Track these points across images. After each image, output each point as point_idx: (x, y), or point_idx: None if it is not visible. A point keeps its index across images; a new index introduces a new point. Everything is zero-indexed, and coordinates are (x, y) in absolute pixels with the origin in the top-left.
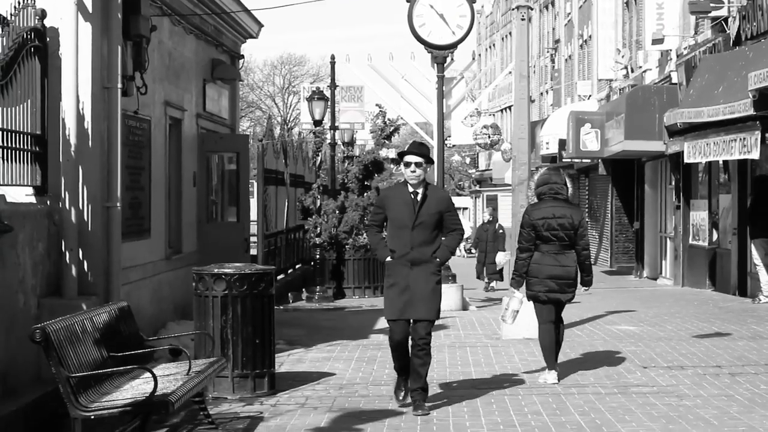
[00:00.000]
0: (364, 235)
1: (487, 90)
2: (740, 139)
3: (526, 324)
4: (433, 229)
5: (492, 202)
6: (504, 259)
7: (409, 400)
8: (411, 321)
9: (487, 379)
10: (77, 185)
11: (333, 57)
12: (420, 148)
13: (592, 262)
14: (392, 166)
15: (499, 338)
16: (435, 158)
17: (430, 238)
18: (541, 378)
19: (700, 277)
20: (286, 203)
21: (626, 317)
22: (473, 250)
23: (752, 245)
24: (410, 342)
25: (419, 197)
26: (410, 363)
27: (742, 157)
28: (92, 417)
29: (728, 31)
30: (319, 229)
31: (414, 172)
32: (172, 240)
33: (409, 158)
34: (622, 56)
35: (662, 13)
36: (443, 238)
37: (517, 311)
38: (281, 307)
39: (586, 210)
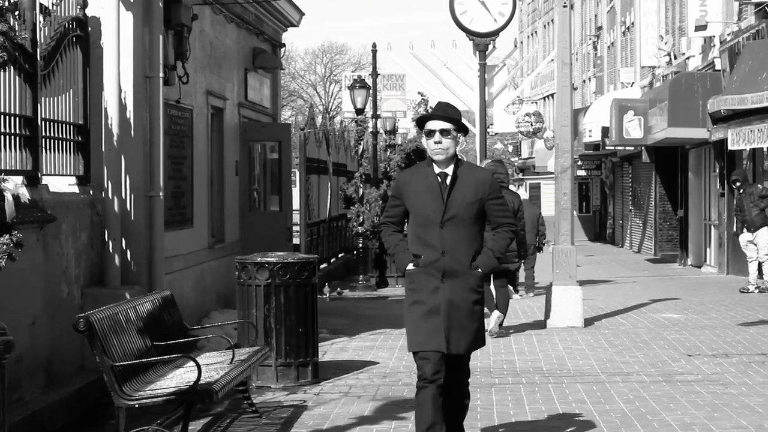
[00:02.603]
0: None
1: (529, 77)
2: None
3: (571, 312)
4: (472, 224)
5: (535, 190)
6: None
7: None
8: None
9: (531, 367)
10: (120, 175)
11: (374, 45)
12: (447, 110)
13: (637, 250)
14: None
15: (543, 326)
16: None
17: (469, 238)
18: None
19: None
20: (329, 192)
21: (670, 305)
22: None
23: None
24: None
25: (448, 180)
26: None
27: None
28: (136, 405)
29: None
30: (361, 217)
31: (439, 143)
32: (215, 229)
33: (431, 124)
34: (665, 43)
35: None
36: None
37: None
38: (324, 296)
39: (630, 198)
